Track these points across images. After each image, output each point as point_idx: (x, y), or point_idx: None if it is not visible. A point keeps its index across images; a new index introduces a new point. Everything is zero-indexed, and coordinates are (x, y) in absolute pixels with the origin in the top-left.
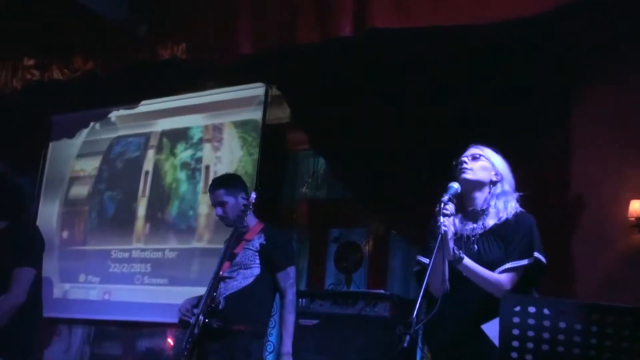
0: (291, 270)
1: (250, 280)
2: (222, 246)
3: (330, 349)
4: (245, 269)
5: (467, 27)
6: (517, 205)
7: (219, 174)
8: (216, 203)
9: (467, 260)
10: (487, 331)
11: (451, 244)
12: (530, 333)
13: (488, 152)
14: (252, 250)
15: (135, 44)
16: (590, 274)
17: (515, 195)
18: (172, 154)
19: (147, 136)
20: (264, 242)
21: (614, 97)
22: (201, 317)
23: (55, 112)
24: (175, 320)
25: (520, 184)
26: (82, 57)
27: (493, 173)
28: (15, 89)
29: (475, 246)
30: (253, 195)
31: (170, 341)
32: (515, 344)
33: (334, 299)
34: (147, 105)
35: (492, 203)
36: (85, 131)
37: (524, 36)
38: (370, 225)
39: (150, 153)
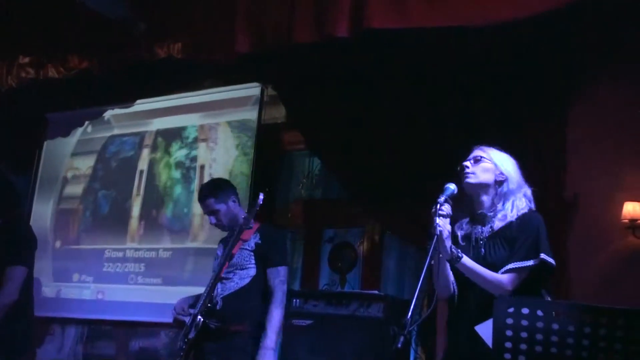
0: (282, 269)
1: (247, 280)
2: (216, 246)
3: (324, 349)
4: (241, 269)
5: (465, 28)
6: (527, 203)
7: (214, 173)
8: (208, 212)
9: (465, 260)
10: (481, 332)
11: (448, 244)
12: (524, 334)
13: (491, 153)
14: (248, 250)
15: (131, 43)
16: (584, 275)
17: (524, 191)
18: (167, 153)
19: (142, 135)
20: (259, 241)
21: (609, 98)
22: (199, 318)
23: (50, 111)
24: (169, 319)
25: None
26: (77, 55)
27: (497, 173)
28: (10, 87)
29: (482, 249)
30: (261, 196)
31: None
32: (508, 345)
33: (328, 300)
34: (142, 105)
35: (500, 204)
36: (80, 130)
37: (521, 37)
38: (365, 226)
39: (145, 152)
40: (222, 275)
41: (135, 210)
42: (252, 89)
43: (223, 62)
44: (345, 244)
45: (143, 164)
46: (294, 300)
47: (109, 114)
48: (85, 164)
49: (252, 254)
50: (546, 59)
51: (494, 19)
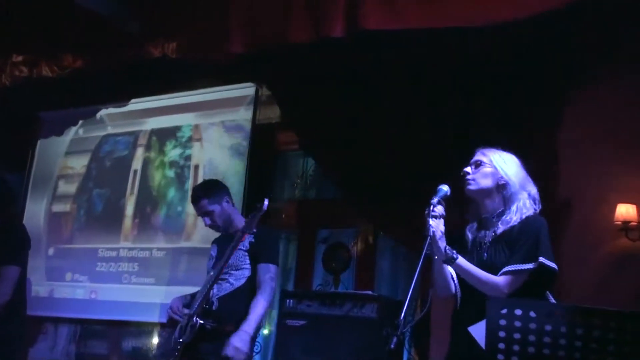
0: (273, 267)
1: (242, 281)
2: (209, 246)
3: (318, 349)
4: (236, 270)
5: (459, 29)
6: (533, 205)
7: (209, 173)
8: (202, 214)
9: (460, 261)
10: (474, 333)
11: (441, 245)
12: (517, 335)
13: (492, 156)
14: (242, 250)
15: (126, 42)
16: (577, 277)
17: (529, 193)
18: (161, 152)
19: (136, 135)
20: (253, 240)
21: (602, 100)
22: (196, 319)
23: (44, 110)
24: (163, 319)
25: None
26: (71, 54)
27: (498, 177)
28: (4, 85)
29: (485, 253)
30: (266, 202)
31: None
32: (501, 346)
33: (321, 300)
34: (136, 104)
35: (504, 208)
36: (73, 129)
37: (514, 38)
38: (359, 227)
39: (139, 151)
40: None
41: (129, 210)
42: (247, 89)
43: (218, 61)
44: (339, 245)
45: (137, 164)
46: (288, 300)
47: (103, 113)
48: (79, 163)
49: (246, 254)
50: (541, 59)
51: (492, 20)
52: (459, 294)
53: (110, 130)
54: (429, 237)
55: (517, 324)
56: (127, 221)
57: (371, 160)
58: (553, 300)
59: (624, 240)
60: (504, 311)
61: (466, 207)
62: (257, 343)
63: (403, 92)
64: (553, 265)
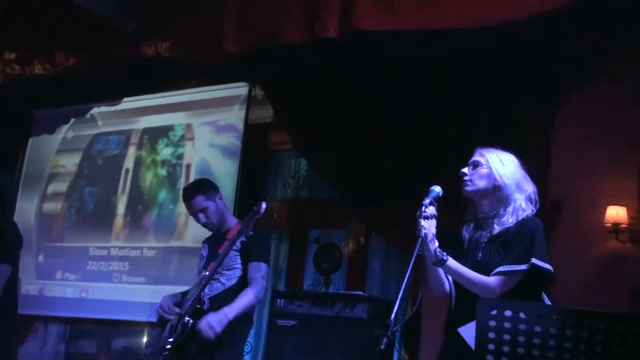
0: (264, 266)
1: (234, 281)
2: (199, 246)
3: (309, 350)
4: (228, 270)
5: (454, 31)
6: (531, 206)
7: (200, 172)
8: (197, 210)
9: (451, 262)
10: (464, 334)
11: (432, 246)
12: (507, 336)
13: (489, 156)
14: (234, 250)
15: (119, 41)
16: (567, 278)
17: (527, 194)
18: (153, 151)
19: (128, 133)
20: (244, 240)
21: (593, 103)
22: (187, 319)
23: (36, 107)
24: (153, 318)
25: None
26: (64, 52)
27: (494, 178)
28: None
29: (480, 253)
30: (263, 205)
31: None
32: (491, 347)
33: (312, 300)
34: (129, 102)
35: (501, 209)
36: (65, 127)
37: (508, 40)
38: (351, 227)
39: (131, 150)
40: (209, 275)
41: (121, 209)
42: (240, 89)
43: (211, 61)
44: (330, 245)
45: (129, 162)
46: (279, 300)
47: (95, 111)
48: (71, 162)
49: (237, 254)
50: (535, 61)
51: (491, 21)
52: (453, 293)
53: (102, 128)
54: (420, 238)
55: (507, 325)
56: (118, 220)
57: (364, 161)
58: (548, 302)
59: (614, 242)
60: (494, 312)
61: (464, 207)
62: (247, 343)
63: (396, 92)
64: (547, 266)
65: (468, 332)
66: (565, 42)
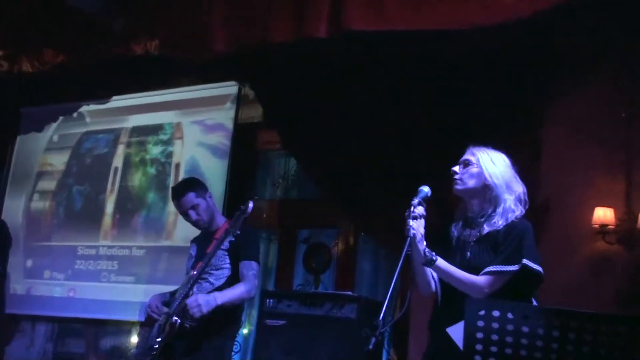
0: (255, 264)
1: (222, 281)
2: (189, 245)
3: (298, 349)
4: (216, 269)
5: (443, 32)
6: (520, 207)
7: (190, 171)
8: (188, 208)
9: (440, 262)
10: (452, 334)
11: (421, 247)
12: (494, 337)
13: (480, 155)
14: (222, 250)
15: (108, 39)
16: (555, 279)
17: (517, 194)
18: (143, 150)
19: (117, 132)
20: (233, 239)
21: (582, 106)
22: (175, 318)
23: (24, 105)
24: (141, 318)
25: None
26: (53, 49)
27: (484, 178)
28: None
29: (468, 252)
30: (250, 204)
31: None
32: (479, 347)
33: (301, 300)
34: (118, 101)
35: (491, 209)
36: (54, 125)
37: (498, 41)
38: (340, 227)
39: (120, 149)
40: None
41: (109, 208)
42: (230, 88)
43: (200, 60)
44: (320, 245)
45: (118, 161)
46: (268, 300)
47: (84, 109)
48: (59, 160)
49: (226, 253)
50: (522, 64)
51: (478, 23)
52: (439, 292)
53: (91, 127)
54: (409, 238)
55: (495, 325)
56: (107, 219)
57: (353, 161)
58: (535, 303)
59: (601, 243)
60: (482, 312)
61: (452, 206)
62: (236, 342)
63: (385, 92)
64: (538, 267)
65: (456, 332)
66: (555, 43)
